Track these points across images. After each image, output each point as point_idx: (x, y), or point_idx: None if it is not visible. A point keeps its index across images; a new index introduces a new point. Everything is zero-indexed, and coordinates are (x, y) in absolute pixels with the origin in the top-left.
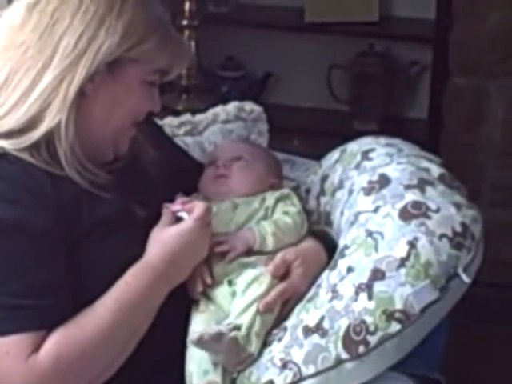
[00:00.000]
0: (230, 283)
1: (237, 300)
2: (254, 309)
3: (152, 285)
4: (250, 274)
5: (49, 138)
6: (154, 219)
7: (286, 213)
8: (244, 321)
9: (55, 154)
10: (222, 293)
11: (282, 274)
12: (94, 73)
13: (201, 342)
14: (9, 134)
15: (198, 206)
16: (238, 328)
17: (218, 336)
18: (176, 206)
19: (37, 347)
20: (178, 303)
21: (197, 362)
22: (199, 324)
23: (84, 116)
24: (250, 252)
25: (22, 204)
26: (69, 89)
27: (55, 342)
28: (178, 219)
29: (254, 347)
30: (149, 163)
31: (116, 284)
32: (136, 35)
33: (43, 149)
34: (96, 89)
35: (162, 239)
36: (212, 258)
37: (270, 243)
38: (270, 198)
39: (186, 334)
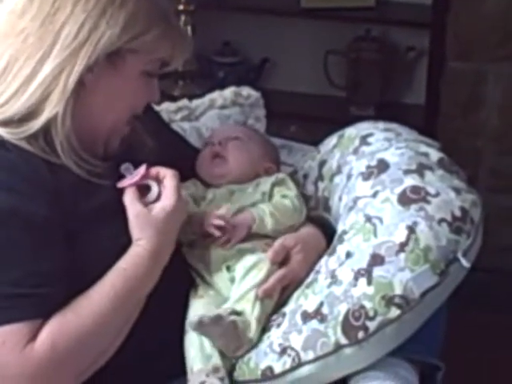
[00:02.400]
0: (229, 269)
1: (235, 286)
2: (252, 295)
3: (148, 270)
4: (248, 260)
5: (46, 128)
6: None
7: (284, 196)
8: (243, 307)
9: (52, 143)
10: (220, 278)
11: (281, 260)
12: (94, 63)
13: (200, 326)
14: (7, 123)
15: (169, 180)
16: (237, 313)
17: (218, 319)
18: (136, 178)
19: (33, 336)
20: (175, 289)
21: (198, 348)
22: (198, 309)
23: (82, 106)
24: (249, 235)
25: (19, 192)
26: (68, 79)
27: (51, 330)
28: (146, 187)
29: (253, 333)
30: (146, 152)
31: (112, 270)
32: (137, 26)
33: (41, 138)
34: (95, 79)
35: (153, 224)
36: (210, 243)
37: (269, 223)
38: (266, 182)
39: (182, 320)
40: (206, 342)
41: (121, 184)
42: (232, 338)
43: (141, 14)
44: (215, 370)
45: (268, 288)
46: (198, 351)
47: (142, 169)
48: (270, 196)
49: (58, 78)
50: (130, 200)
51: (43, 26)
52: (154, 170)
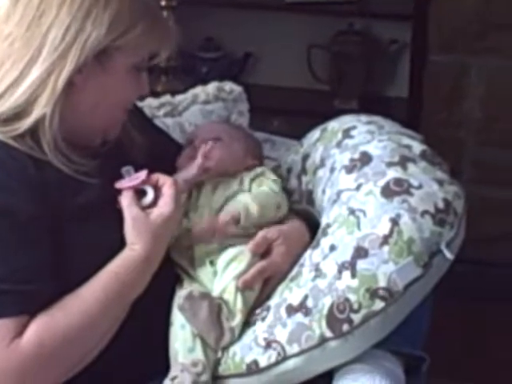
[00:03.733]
0: (212, 263)
1: (217, 279)
2: (233, 286)
3: (140, 276)
4: (229, 253)
5: (33, 128)
6: None
7: (259, 185)
8: (226, 298)
9: (39, 141)
10: (204, 273)
11: (262, 252)
12: (83, 64)
13: (189, 298)
14: None
15: (168, 187)
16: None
17: (206, 296)
18: (136, 181)
19: (19, 333)
20: (161, 286)
21: (181, 341)
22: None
23: (72, 105)
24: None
25: (5, 188)
26: (57, 81)
27: (37, 327)
28: (142, 192)
29: (235, 323)
30: (135, 149)
31: (103, 272)
32: (123, 24)
33: (28, 137)
34: (84, 79)
35: (150, 229)
36: (193, 240)
37: (255, 210)
38: (246, 179)
39: (167, 315)
40: (190, 336)
41: (119, 185)
42: (215, 323)
43: (125, 12)
44: (194, 364)
45: (247, 279)
46: (181, 344)
47: (143, 174)
48: (249, 190)
49: (46, 80)
50: (127, 202)
51: (29, 30)
52: (155, 177)
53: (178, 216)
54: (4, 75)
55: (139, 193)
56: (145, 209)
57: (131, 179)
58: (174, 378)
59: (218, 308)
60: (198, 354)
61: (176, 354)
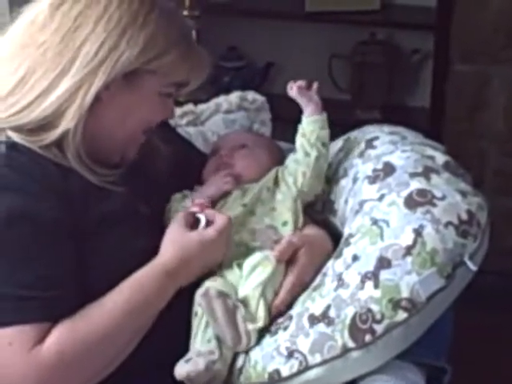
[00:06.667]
0: (239, 266)
1: (241, 284)
2: (257, 292)
3: (163, 289)
4: (255, 257)
5: (59, 141)
6: (158, 215)
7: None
8: (249, 302)
9: (63, 152)
10: (232, 275)
11: (287, 259)
12: (111, 82)
13: (205, 296)
14: (19, 129)
15: (221, 218)
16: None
17: (222, 294)
18: (195, 208)
19: (40, 339)
20: (184, 292)
21: (201, 330)
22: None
23: (96, 119)
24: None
25: (30, 194)
26: (86, 97)
27: (59, 334)
28: (196, 219)
29: (253, 327)
30: (159, 158)
31: (127, 281)
32: (156, 48)
33: (53, 147)
34: (111, 96)
35: (182, 244)
36: None
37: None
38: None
39: (188, 326)
40: (210, 329)
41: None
42: (230, 323)
43: (160, 36)
44: (210, 352)
45: (279, 304)
46: (200, 333)
47: (205, 202)
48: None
49: (75, 94)
50: (177, 218)
51: (63, 42)
52: (211, 211)
53: (216, 248)
54: (34, 84)
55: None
56: None
57: (194, 204)
58: (188, 360)
59: (233, 308)
60: (215, 345)
61: (194, 341)
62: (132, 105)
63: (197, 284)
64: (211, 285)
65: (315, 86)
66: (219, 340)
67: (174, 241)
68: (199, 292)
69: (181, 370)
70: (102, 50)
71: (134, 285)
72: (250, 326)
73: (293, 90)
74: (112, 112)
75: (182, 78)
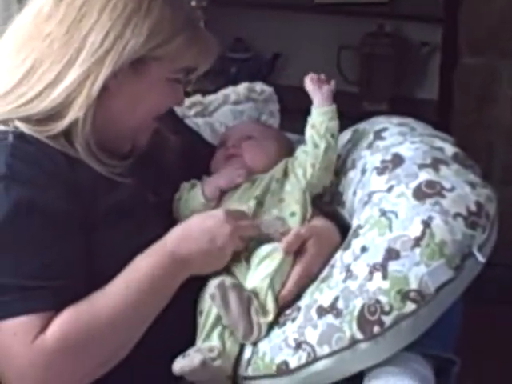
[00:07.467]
0: (247, 259)
1: (250, 275)
2: (265, 284)
3: (162, 265)
4: (264, 249)
5: (67, 130)
6: (166, 204)
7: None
8: (257, 294)
9: (72, 142)
10: (238, 267)
11: (295, 250)
12: (118, 70)
13: (221, 287)
14: (28, 120)
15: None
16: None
17: (237, 286)
18: None
19: (44, 327)
20: (188, 290)
21: (202, 327)
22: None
23: (105, 109)
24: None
25: (39, 185)
26: (93, 86)
27: (62, 321)
28: None
29: (265, 319)
30: (167, 149)
31: (133, 268)
32: (162, 35)
33: (61, 138)
34: (119, 84)
35: (184, 224)
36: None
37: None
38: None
39: (195, 321)
40: (210, 322)
41: None
42: (245, 315)
43: (165, 22)
44: (210, 349)
45: (286, 294)
46: (201, 329)
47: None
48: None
49: (82, 84)
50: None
51: (69, 32)
52: None
53: (221, 226)
54: (41, 75)
55: None
56: None
57: None
58: (185, 356)
59: (248, 300)
60: (217, 342)
61: (198, 339)
62: (141, 92)
63: (200, 285)
64: (225, 277)
65: (332, 83)
66: (223, 337)
67: (177, 226)
68: (213, 283)
69: (176, 364)
70: (107, 40)
71: (131, 266)
72: (262, 320)
73: (307, 82)
74: (121, 100)
75: (189, 63)
